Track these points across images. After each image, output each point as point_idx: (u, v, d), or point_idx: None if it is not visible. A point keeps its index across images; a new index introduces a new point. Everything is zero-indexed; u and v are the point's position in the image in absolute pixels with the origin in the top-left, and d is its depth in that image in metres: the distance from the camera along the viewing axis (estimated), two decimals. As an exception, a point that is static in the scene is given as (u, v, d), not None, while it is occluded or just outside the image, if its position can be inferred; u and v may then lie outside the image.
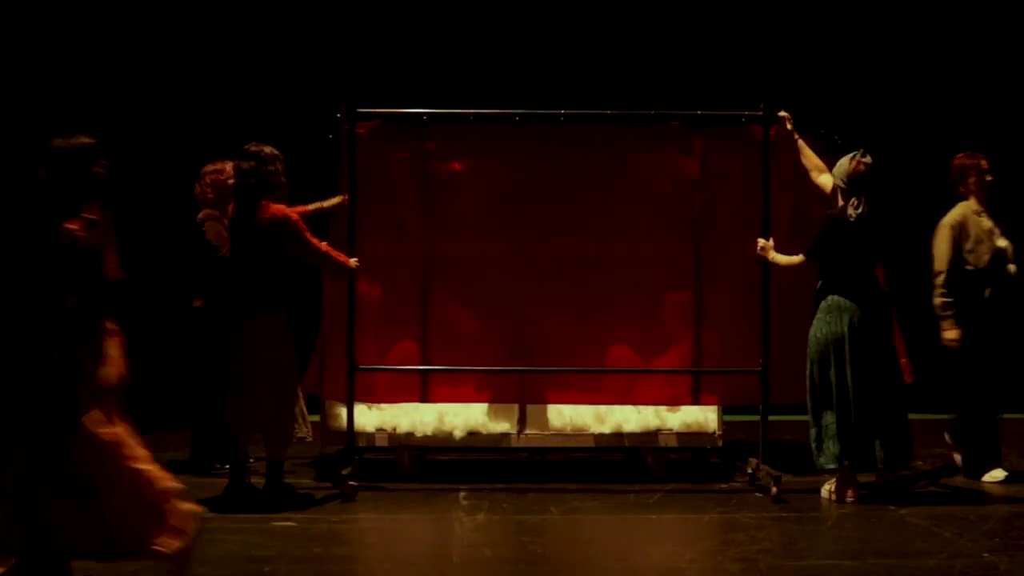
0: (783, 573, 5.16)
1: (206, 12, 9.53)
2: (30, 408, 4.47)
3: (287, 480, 6.52)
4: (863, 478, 6.57)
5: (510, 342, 6.99)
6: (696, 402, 7.06)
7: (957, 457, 7.31)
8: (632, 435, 7.12)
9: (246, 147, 6.31)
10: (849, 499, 6.49)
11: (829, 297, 6.51)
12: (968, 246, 7.13)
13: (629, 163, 7.00)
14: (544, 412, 7.12)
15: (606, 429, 7.11)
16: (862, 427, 6.43)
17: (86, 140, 4.86)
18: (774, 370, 6.83)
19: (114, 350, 4.79)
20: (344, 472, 6.55)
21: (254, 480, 6.51)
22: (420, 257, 6.99)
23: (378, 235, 6.92)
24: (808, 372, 6.54)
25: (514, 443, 7.10)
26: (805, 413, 7.23)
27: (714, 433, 7.13)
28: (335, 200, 6.88)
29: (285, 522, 5.96)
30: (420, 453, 7.14)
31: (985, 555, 5.41)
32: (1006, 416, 7.46)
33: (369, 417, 7.06)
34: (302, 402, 7.41)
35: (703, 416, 7.15)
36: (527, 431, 7.08)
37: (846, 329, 6.44)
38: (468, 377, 6.99)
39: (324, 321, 6.97)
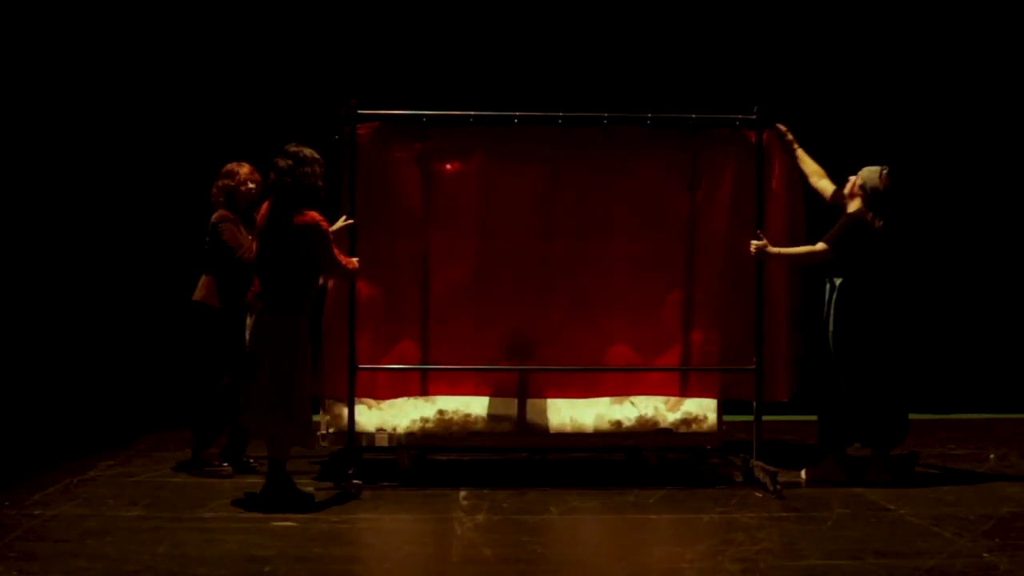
0: (783, 573, 5.16)
1: (212, 16, 9.52)
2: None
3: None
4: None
5: (508, 340, 7.03)
6: (689, 394, 7.14)
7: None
8: (632, 435, 7.13)
9: (286, 147, 6.31)
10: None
11: (847, 297, 6.82)
12: None
13: (626, 165, 7.07)
14: (544, 412, 7.13)
15: (606, 429, 7.12)
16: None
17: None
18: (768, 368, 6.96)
19: None
20: (349, 472, 6.56)
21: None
22: (419, 257, 7.02)
23: (378, 235, 6.94)
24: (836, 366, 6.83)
25: (514, 443, 7.11)
26: (805, 413, 7.26)
27: (714, 433, 7.14)
28: (340, 223, 6.86)
29: (285, 522, 5.96)
30: (420, 453, 7.14)
31: (985, 555, 5.42)
32: (1006, 416, 7.45)
33: (369, 417, 7.07)
34: None
35: (703, 416, 7.17)
36: (527, 431, 7.08)
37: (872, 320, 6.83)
38: (467, 375, 7.00)
39: (324, 320, 6.98)
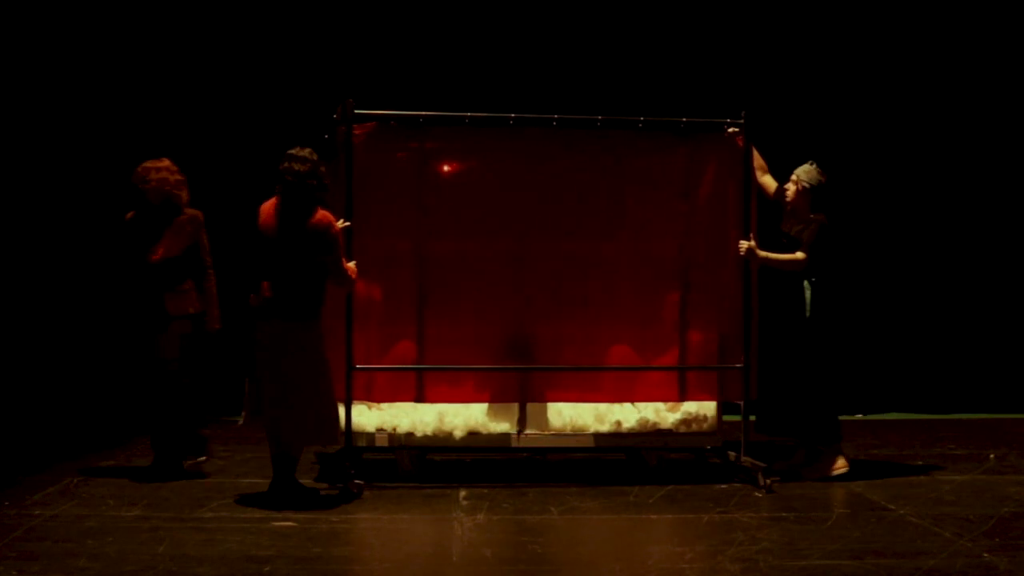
0: (783, 573, 5.16)
1: (205, 16, 9.52)
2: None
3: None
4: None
5: (505, 341, 7.05)
6: (689, 398, 7.17)
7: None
8: (632, 435, 7.14)
9: (290, 151, 6.30)
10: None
11: (823, 293, 7.05)
12: None
13: (619, 167, 7.14)
14: (544, 412, 7.15)
15: (606, 429, 7.13)
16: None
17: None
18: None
19: None
20: (351, 471, 6.58)
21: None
22: (416, 257, 7.04)
23: (375, 236, 6.95)
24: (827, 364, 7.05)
25: (514, 443, 7.12)
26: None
27: (714, 433, 7.15)
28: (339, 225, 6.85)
29: (285, 522, 5.96)
30: (420, 453, 7.14)
31: (985, 555, 5.42)
32: (1006, 416, 7.48)
33: (369, 417, 7.07)
34: None
35: (703, 416, 7.19)
36: (527, 431, 7.09)
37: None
38: (464, 376, 7.02)
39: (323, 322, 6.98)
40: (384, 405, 7.09)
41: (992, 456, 7.87)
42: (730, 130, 7.11)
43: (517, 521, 6.11)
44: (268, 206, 6.36)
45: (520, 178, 7.06)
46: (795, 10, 9.77)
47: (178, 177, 6.96)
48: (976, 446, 8.25)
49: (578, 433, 7.14)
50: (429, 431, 7.04)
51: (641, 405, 7.19)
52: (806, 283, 7.09)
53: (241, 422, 6.66)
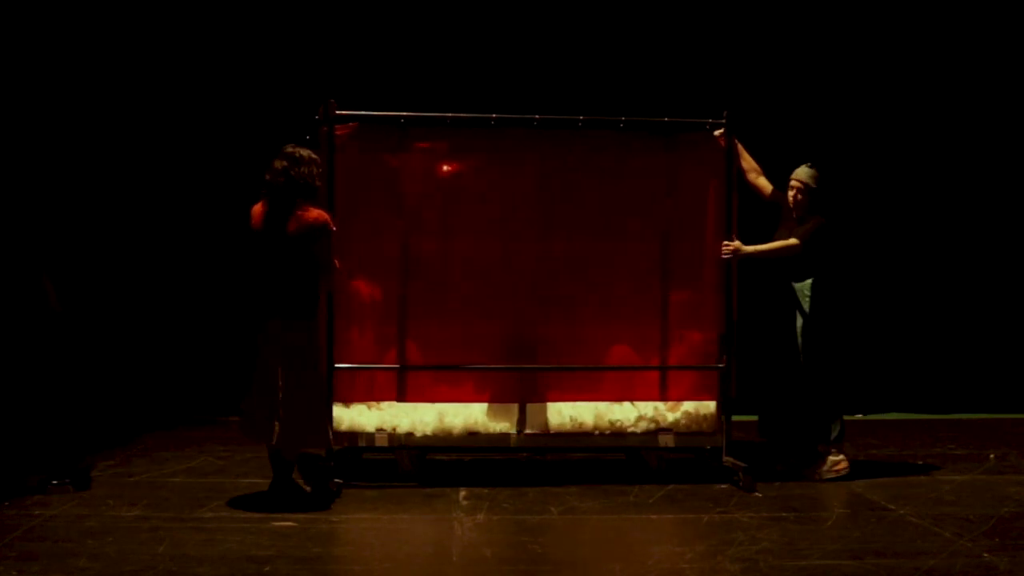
0: (783, 573, 5.16)
1: (187, 17, 9.51)
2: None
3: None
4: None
5: (493, 341, 7.08)
6: (687, 398, 7.19)
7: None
8: (632, 435, 7.15)
9: (283, 148, 6.31)
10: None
11: (822, 291, 7.07)
12: None
13: (601, 167, 7.17)
14: (544, 412, 7.14)
15: (606, 429, 7.13)
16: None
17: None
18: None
19: None
20: (327, 468, 6.58)
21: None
22: (399, 258, 7.07)
23: (357, 236, 6.97)
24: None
25: (514, 443, 7.13)
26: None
27: (714, 433, 7.15)
28: None
29: (285, 522, 5.96)
30: (420, 453, 7.15)
31: (985, 555, 5.42)
32: (1006, 416, 7.48)
33: (369, 417, 7.07)
34: None
35: (703, 415, 7.18)
36: (527, 431, 7.09)
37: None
38: (463, 377, 7.04)
39: None
40: (384, 405, 7.09)
41: (992, 456, 7.87)
42: (716, 132, 7.12)
43: (517, 521, 6.11)
44: (258, 207, 6.37)
45: (502, 178, 7.11)
46: (776, 9, 9.77)
47: None
48: (976, 446, 8.25)
49: (578, 433, 7.14)
50: (429, 431, 7.04)
51: (641, 405, 7.19)
52: (803, 284, 7.09)
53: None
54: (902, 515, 6.22)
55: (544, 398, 7.12)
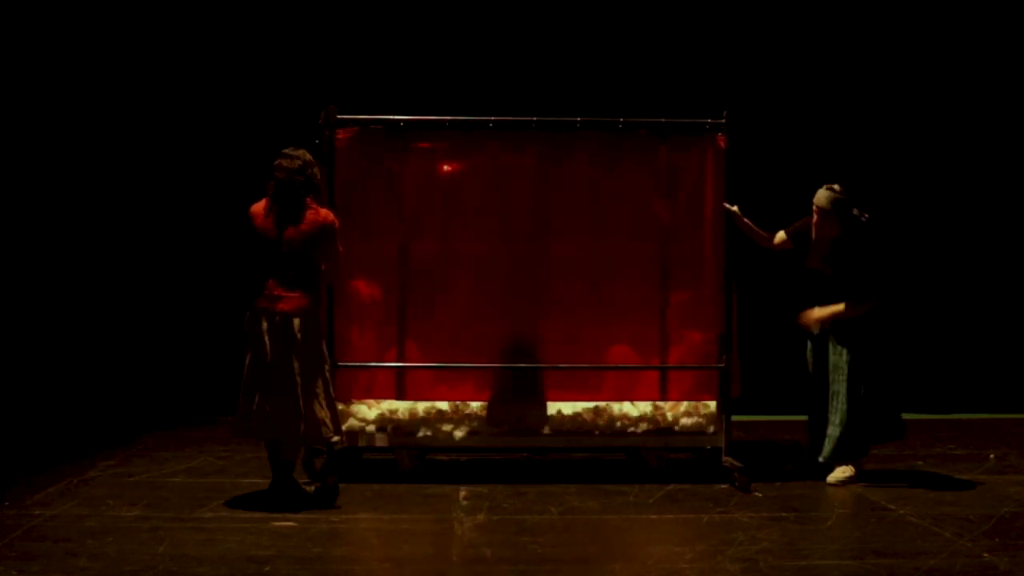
0: (783, 573, 5.17)
1: (190, 22, 9.51)
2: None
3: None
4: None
5: (493, 341, 7.10)
6: (687, 398, 7.19)
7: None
8: (632, 435, 7.15)
9: (284, 151, 6.33)
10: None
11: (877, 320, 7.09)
12: None
13: (600, 167, 7.17)
14: (544, 412, 7.14)
15: (606, 429, 7.14)
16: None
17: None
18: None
19: None
20: (320, 466, 6.61)
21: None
22: (399, 260, 7.11)
23: (358, 239, 6.99)
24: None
25: (514, 443, 7.13)
26: (803, 413, 7.26)
27: (715, 433, 7.15)
28: None
29: (285, 522, 5.96)
30: (420, 453, 7.15)
31: (985, 555, 5.42)
32: (1006, 416, 7.47)
33: (369, 416, 7.08)
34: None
35: (703, 415, 7.18)
36: (527, 431, 7.09)
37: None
38: (447, 377, 7.07)
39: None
40: (384, 403, 7.11)
41: (992, 456, 7.87)
42: (718, 136, 7.11)
43: (517, 521, 6.11)
44: (259, 207, 6.36)
45: (502, 179, 7.13)
46: (776, 9, 9.77)
47: None
48: (976, 446, 8.25)
49: (578, 433, 7.14)
50: (429, 432, 7.05)
51: (641, 405, 7.20)
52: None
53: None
54: (902, 515, 6.22)
55: (544, 398, 7.13)
